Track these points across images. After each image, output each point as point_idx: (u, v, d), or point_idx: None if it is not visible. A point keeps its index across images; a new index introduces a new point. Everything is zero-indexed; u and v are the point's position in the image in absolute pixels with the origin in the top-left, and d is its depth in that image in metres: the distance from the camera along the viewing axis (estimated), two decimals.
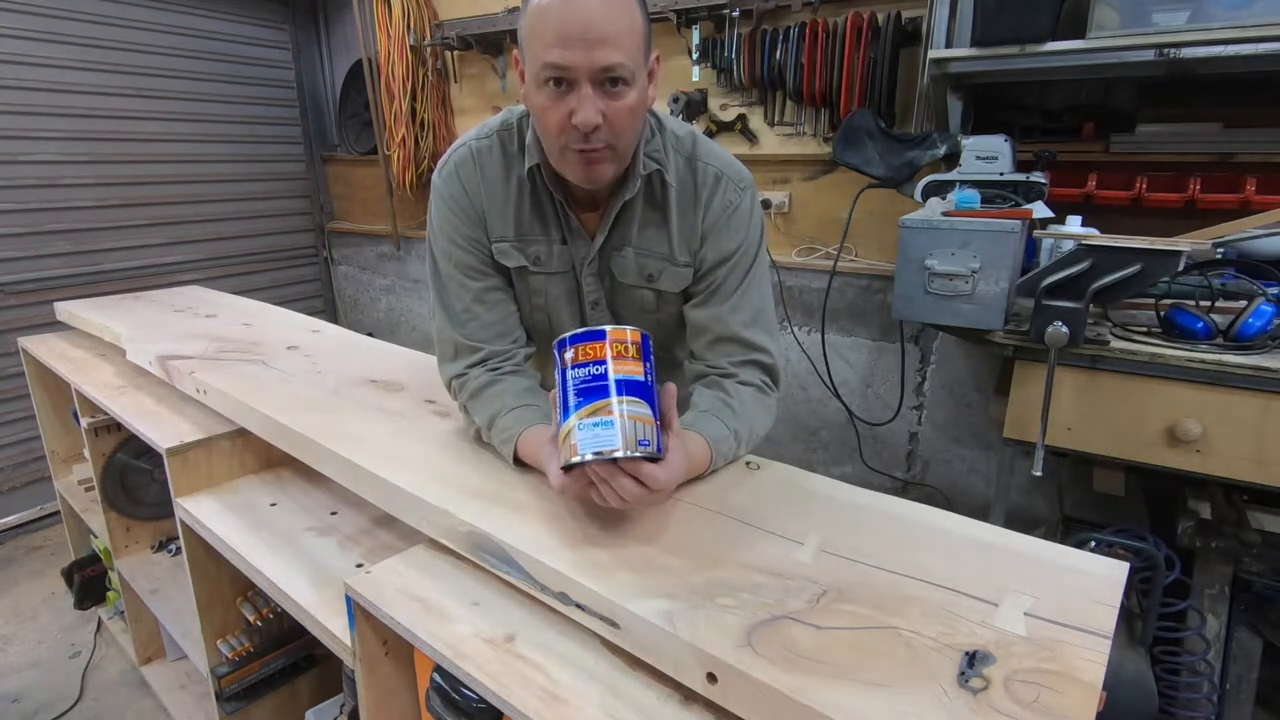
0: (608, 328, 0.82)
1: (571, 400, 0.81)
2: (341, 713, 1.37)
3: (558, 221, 1.09)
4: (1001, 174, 1.76)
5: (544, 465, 0.89)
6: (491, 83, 3.26)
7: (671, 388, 0.86)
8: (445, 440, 1.17)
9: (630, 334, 0.82)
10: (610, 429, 0.78)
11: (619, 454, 0.78)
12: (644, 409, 0.81)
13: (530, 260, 1.10)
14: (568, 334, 0.83)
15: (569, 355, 0.82)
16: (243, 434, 1.45)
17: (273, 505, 1.39)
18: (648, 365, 0.83)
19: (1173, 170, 1.84)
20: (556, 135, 0.92)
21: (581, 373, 0.81)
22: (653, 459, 0.80)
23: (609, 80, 0.88)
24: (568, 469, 0.82)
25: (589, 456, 0.78)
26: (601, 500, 0.83)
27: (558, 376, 0.83)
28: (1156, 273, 1.42)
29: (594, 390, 0.80)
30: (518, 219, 1.08)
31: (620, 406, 0.79)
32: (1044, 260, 1.71)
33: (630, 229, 1.08)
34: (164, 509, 1.92)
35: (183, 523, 1.41)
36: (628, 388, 0.80)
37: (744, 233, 1.07)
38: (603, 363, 0.80)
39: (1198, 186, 1.77)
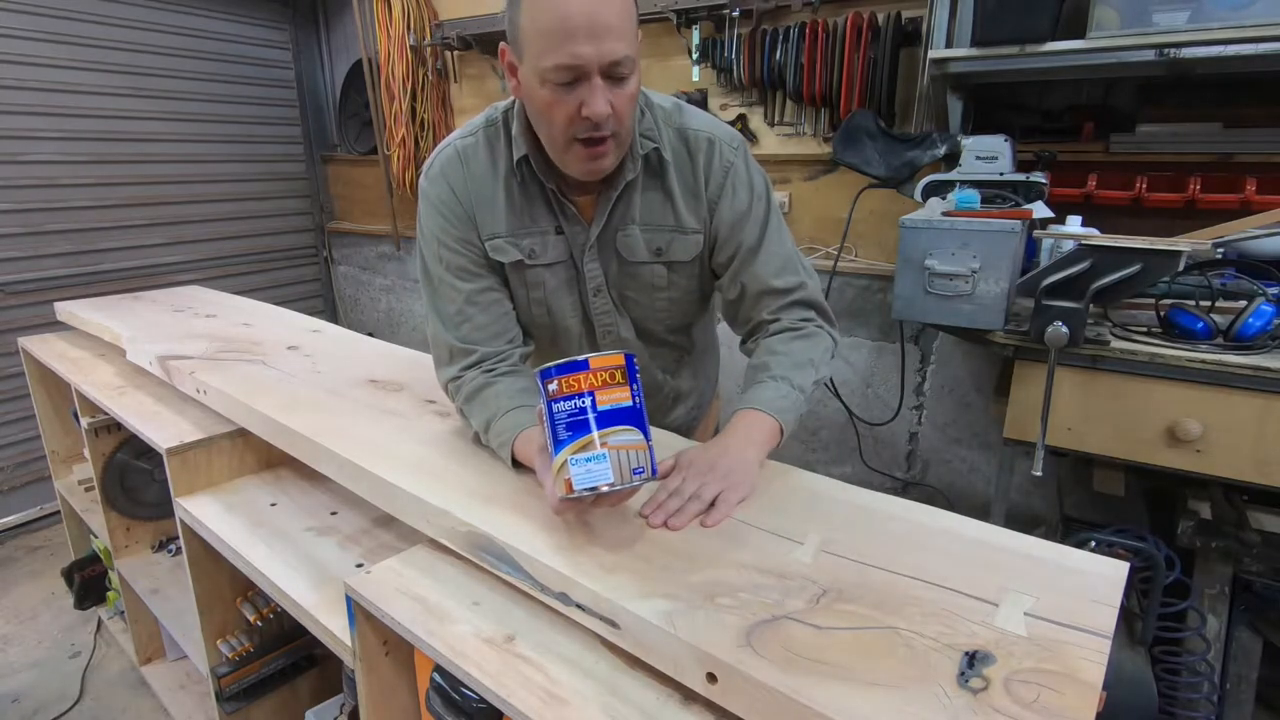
0: (591, 357, 0.81)
1: (561, 434, 0.80)
2: (341, 713, 1.37)
3: (550, 211, 1.09)
4: (1001, 174, 1.76)
5: (539, 475, 0.90)
6: (491, 83, 3.26)
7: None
8: (445, 440, 1.16)
9: (613, 359, 0.82)
10: (603, 463, 0.79)
11: (615, 487, 0.79)
12: (634, 435, 0.81)
13: (525, 254, 1.10)
14: (550, 364, 0.82)
15: (552, 387, 0.81)
16: (243, 434, 1.45)
17: (273, 505, 1.39)
18: (634, 388, 0.82)
19: (1173, 170, 1.84)
20: (565, 128, 0.92)
21: (567, 405, 0.80)
22: (646, 483, 0.82)
23: (616, 71, 0.89)
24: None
25: (585, 493, 0.79)
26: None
27: (543, 406, 0.82)
28: (1156, 273, 1.42)
29: (582, 424, 0.79)
30: (509, 214, 1.08)
31: (610, 438, 0.79)
32: (1044, 260, 1.72)
33: (632, 208, 1.08)
34: (164, 509, 1.92)
35: (183, 523, 1.40)
36: (616, 417, 0.80)
37: (748, 187, 1.09)
38: (588, 394, 0.80)
39: (1198, 186, 1.77)
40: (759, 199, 1.10)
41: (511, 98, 1.04)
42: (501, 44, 0.96)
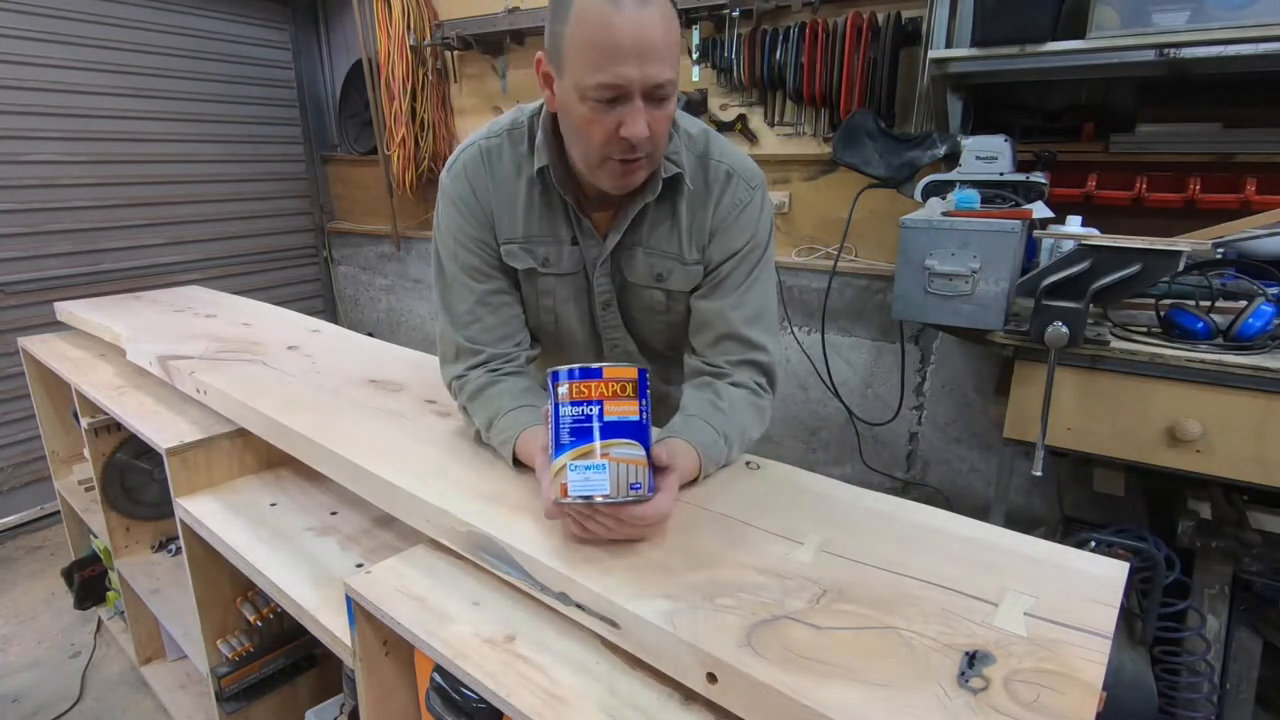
0: (605, 366, 0.81)
1: (564, 438, 0.80)
2: (341, 713, 1.37)
3: (568, 222, 1.08)
4: (1001, 174, 1.76)
5: (538, 474, 0.90)
6: (491, 83, 3.26)
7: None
8: (445, 440, 1.17)
9: (626, 372, 0.81)
10: (601, 473, 0.78)
11: (610, 499, 0.79)
12: (636, 450, 0.80)
13: (539, 262, 1.10)
14: (562, 368, 0.82)
15: (563, 390, 0.81)
16: (243, 434, 1.45)
17: (273, 505, 1.39)
18: (643, 403, 0.82)
19: (1173, 170, 1.84)
20: (601, 146, 0.91)
21: (575, 411, 0.80)
22: (642, 500, 0.80)
23: (657, 94, 0.88)
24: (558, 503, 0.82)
25: (578, 500, 0.79)
26: (585, 535, 0.84)
27: (551, 408, 0.82)
28: (1156, 273, 1.42)
29: (586, 431, 0.79)
30: (526, 220, 1.08)
31: (612, 450, 0.79)
32: (1044, 260, 1.71)
33: (641, 229, 1.08)
34: (164, 509, 1.92)
35: (183, 523, 1.41)
36: (621, 430, 0.80)
37: (752, 231, 1.07)
38: (597, 404, 0.80)
39: (1198, 186, 1.77)
40: (754, 246, 1.08)
41: (538, 101, 1.04)
42: (539, 54, 0.95)
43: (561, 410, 0.81)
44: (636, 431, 0.81)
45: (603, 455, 0.79)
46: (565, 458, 0.80)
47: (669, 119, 0.93)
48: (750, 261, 1.08)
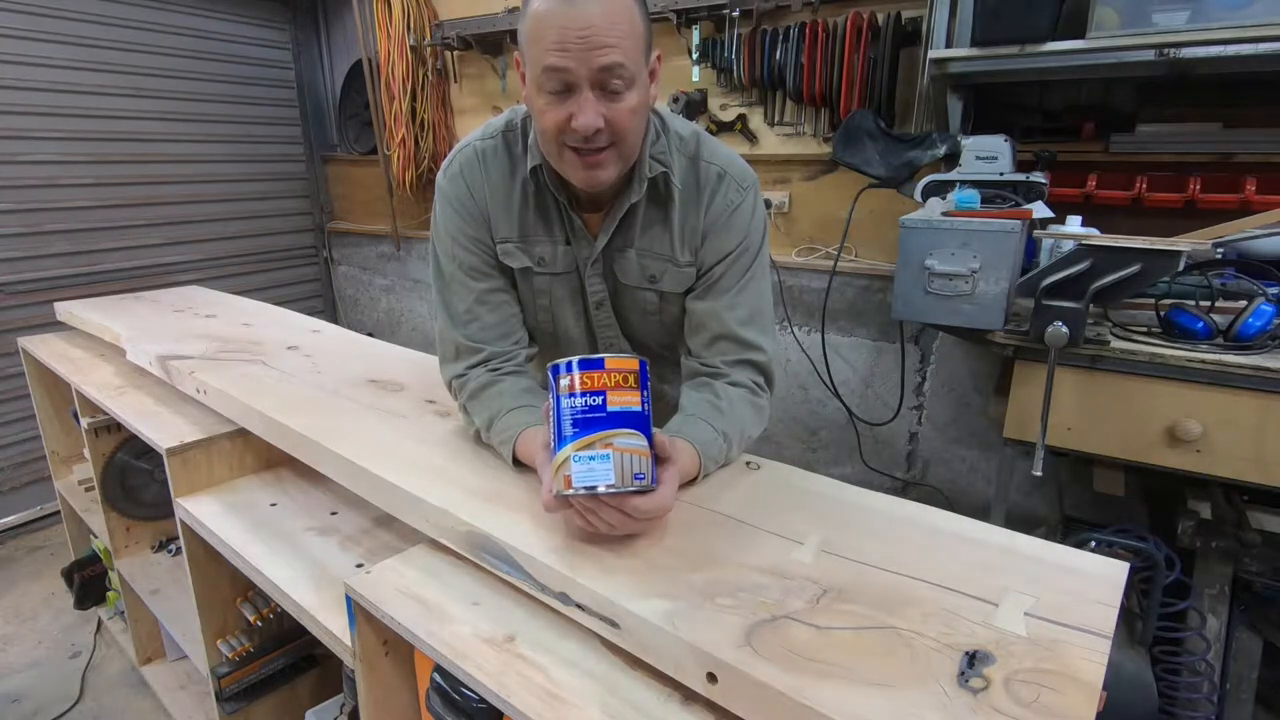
0: (606, 357, 0.81)
1: (567, 429, 0.80)
2: (341, 713, 1.37)
3: (561, 222, 1.09)
4: (1001, 174, 1.76)
5: (540, 472, 0.90)
6: (491, 83, 3.26)
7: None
8: (445, 440, 1.17)
9: (628, 363, 0.81)
10: (606, 463, 0.78)
11: (615, 489, 0.78)
12: (639, 440, 0.80)
13: (534, 261, 1.10)
14: (563, 360, 0.81)
15: (565, 382, 0.81)
16: (243, 434, 1.45)
17: (273, 505, 1.39)
18: (644, 394, 0.82)
19: (1173, 170, 1.84)
20: (555, 136, 0.92)
21: (578, 402, 0.80)
22: (645, 491, 0.80)
23: (610, 83, 0.88)
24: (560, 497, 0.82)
25: (582, 491, 0.78)
26: (590, 528, 0.83)
27: (552, 401, 0.82)
28: (1156, 273, 1.42)
29: (590, 422, 0.79)
30: (522, 220, 1.08)
31: (616, 440, 0.79)
32: (1044, 260, 1.71)
33: (633, 230, 1.08)
34: (164, 509, 1.92)
35: (183, 523, 1.41)
36: (624, 420, 0.80)
37: (744, 231, 1.07)
38: (600, 394, 0.79)
39: (1198, 186, 1.77)
40: (747, 247, 1.08)
41: None
42: (515, 51, 0.96)
43: (563, 403, 0.80)
44: (639, 422, 0.81)
45: (606, 445, 0.78)
46: (569, 449, 0.79)
47: (631, 111, 0.91)
48: (744, 263, 1.08)
